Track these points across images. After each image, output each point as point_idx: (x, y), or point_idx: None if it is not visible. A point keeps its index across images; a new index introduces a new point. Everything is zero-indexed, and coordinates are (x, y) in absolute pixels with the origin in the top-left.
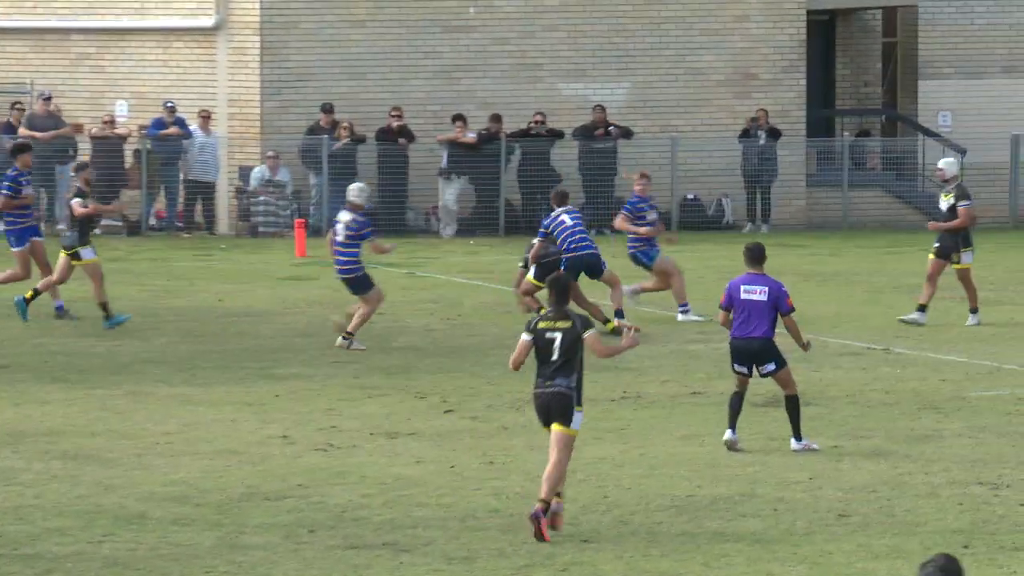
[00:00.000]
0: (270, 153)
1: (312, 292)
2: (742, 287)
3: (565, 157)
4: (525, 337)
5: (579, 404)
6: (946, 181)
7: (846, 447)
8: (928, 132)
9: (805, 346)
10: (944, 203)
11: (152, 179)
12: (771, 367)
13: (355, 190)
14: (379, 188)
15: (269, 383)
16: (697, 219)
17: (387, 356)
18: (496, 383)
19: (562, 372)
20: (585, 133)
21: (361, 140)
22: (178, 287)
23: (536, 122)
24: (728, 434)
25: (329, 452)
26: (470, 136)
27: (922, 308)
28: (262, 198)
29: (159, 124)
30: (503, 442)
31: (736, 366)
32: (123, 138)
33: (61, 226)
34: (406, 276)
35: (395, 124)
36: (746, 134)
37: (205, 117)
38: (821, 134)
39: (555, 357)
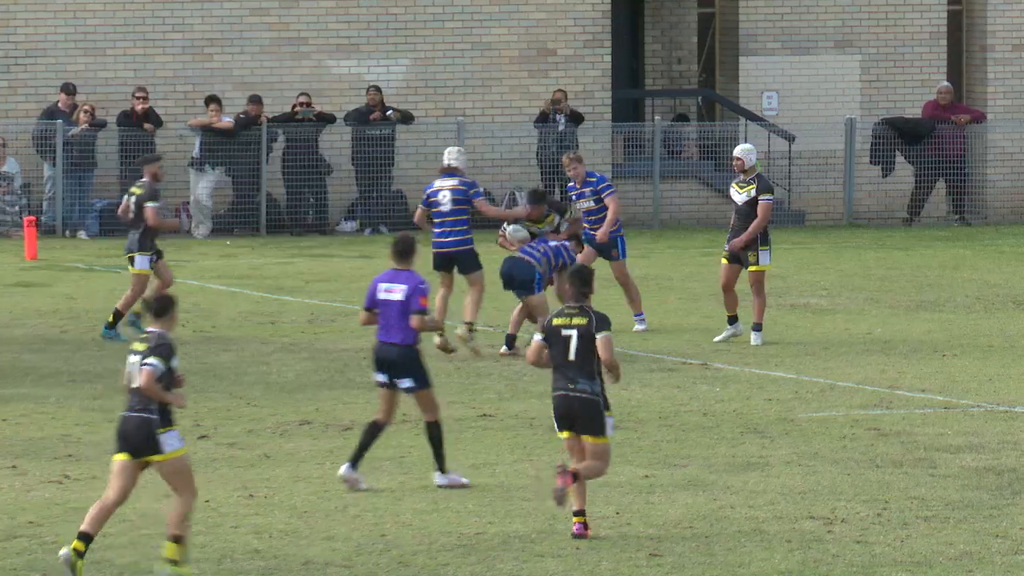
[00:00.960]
0: None
1: (44, 301)
2: (380, 285)
3: (336, 145)
4: (537, 338)
5: (607, 408)
6: (744, 171)
7: (658, 477)
8: (751, 116)
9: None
10: (740, 196)
11: None
12: (407, 383)
13: (455, 152)
14: (121, 181)
15: None
16: None
17: None
18: (257, 404)
19: (583, 374)
20: (359, 117)
21: (101, 125)
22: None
23: (301, 104)
24: (344, 469)
25: (65, 485)
26: (226, 121)
27: (732, 320)
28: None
29: None
30: (265, 473)
31: (375, 373)
32: None
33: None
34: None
35: (139, 107)
36: (543, 118)
37: None
38: (629, 119)
39: (571, 357)
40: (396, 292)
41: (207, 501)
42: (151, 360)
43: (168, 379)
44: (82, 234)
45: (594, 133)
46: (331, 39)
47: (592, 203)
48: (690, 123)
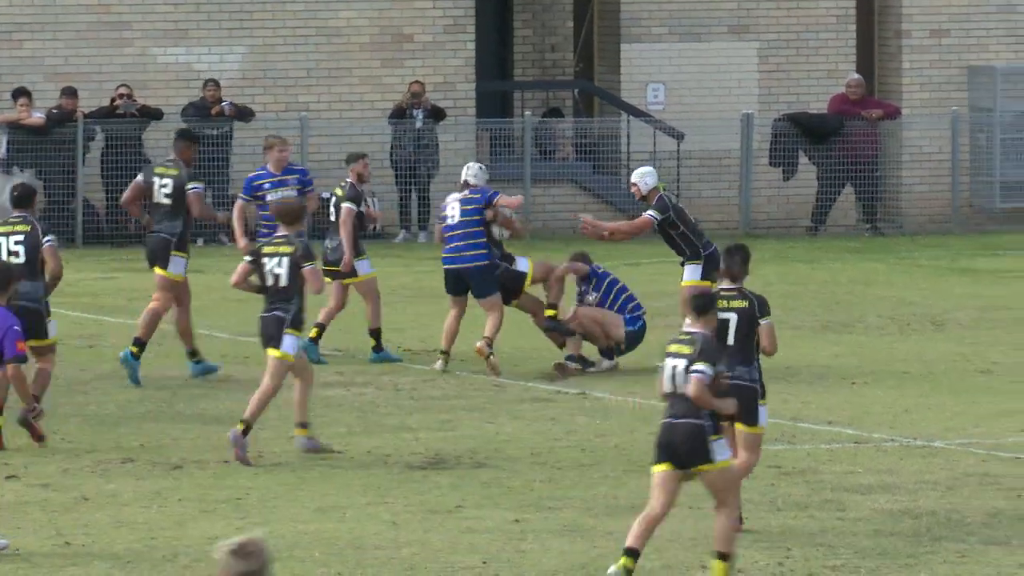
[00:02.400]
0: None
1: None
2: None
3: (163, 143)
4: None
5: (763, 397)
6: (644, 198)
7: (530, 521)
8: (634, 111)
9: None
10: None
11: None
12: None
13: (475, 168)
14: None
15: None
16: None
17: None
18: (73, 440)
19: (740, 359)
20: (197, 112)
21: None
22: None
23: (121, 96)
24: None
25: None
26: (36, 116)
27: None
28: None
29: None
30: (83, 517)
31: None
32: None
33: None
34: None
35: None
36: (399, 113)
37: None
38: (496, 114)
39: (730, 341)
40: None
41: (18, 551)
42: (700, 367)
43: (715, 384)
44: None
45: (456, 130)
46: (156, 24)
47: (295, 193)
48: (565, 119)
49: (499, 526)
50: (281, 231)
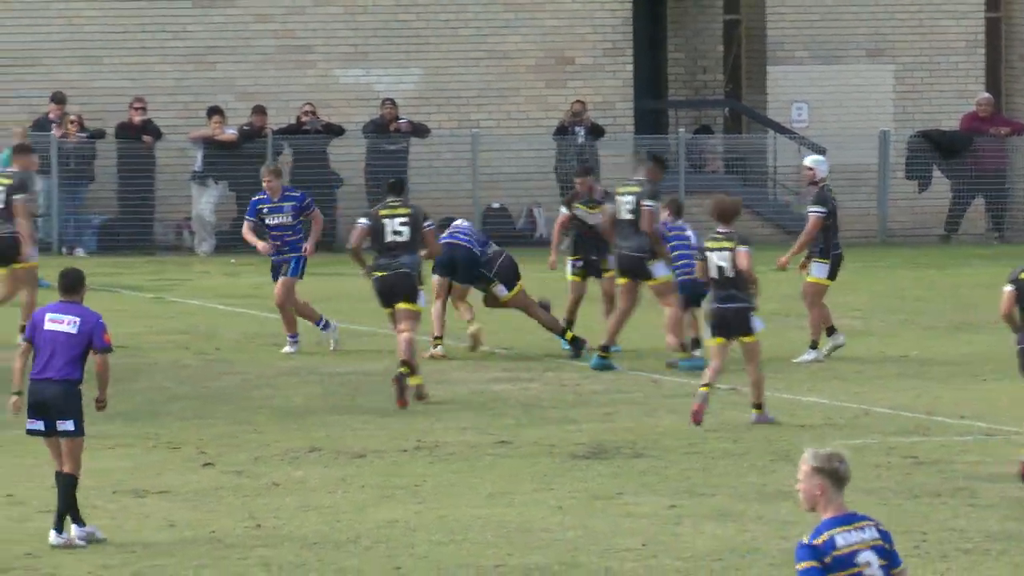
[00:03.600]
0: None
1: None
2: (48, 316)
3: (344, 158)
4: (1008, 288)
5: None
6: (814, 183)
7: (685, 507)
8: (780, 128)
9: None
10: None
11: None
12: (68, 425)
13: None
14: (119, 196)
15: None
16: (504, 232)
17: (130, 398)
18: (263, 430)
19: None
20: (376, 129)
21: (100, 135)
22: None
23: (307, 115)
24: (53, 536)
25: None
26: (229, 132)
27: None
28: None
29: None
30: (273, 502)
31: (30, 421)
32: None
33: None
34: (152, 302)
35: (137, 118)
36: (562, 131)
37: None
38: (651, 131)
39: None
40: (66, 324)
41: (212, 532)
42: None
43: None
44: (79, 251)
45: (615, 146)
46: (338, 47)
47: (290, 219)
48: (715, 135)
49: (656, 511)
50: (721, 228)
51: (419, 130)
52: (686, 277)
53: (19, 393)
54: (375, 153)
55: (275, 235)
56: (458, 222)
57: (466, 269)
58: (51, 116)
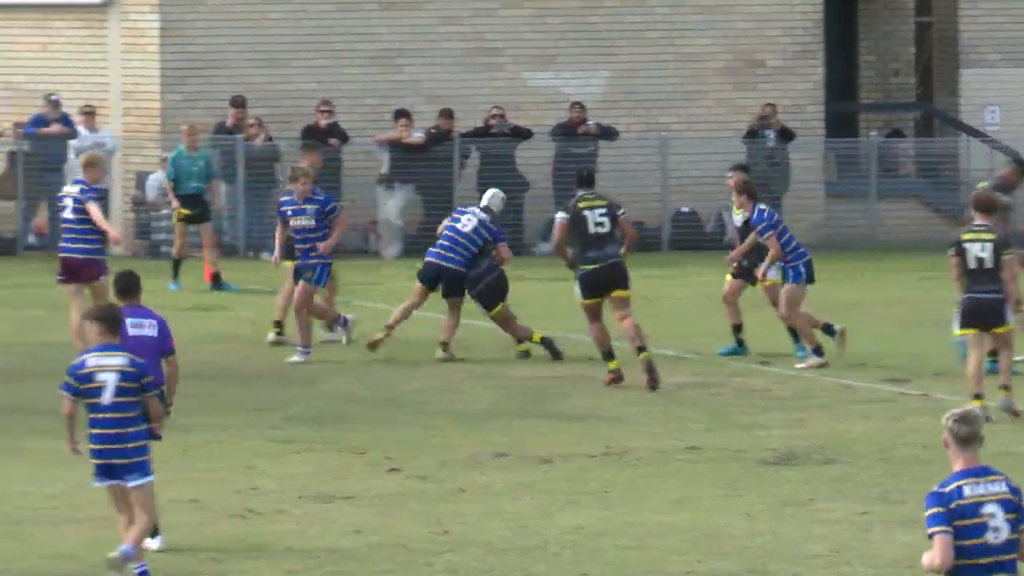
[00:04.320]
0: (166, 155)
1: (222, 325)
2: (127, 321)
3: (532, 161)
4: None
5: None
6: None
7: (876, 513)
8: (972, 131)
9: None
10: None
11: (29, 187)
12: (161, 431)
13: (495, 197)
14: None
15: (173, 435)
16: (692, 236)
17: (315, 403)
18: (447, 435)
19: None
20: (564, 132)
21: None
22: (58, 319)
23: (494, 117)
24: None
25: (247, 519)
26: (416, 136)
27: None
28: (164, 211)
29: (39, 121)
30: (459, 507)
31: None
32: None
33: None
34: (339, 306)
35: (324, 122)
36: (752, 134)
37: (89, 113)
38: (842, 134)
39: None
40: (147, 327)
41: (398, 537)
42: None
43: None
44: (266, 255)
45: (805, 149)
46: (526, 50)
47: (313, 221)
48: (907, 139)
49: (847, 517)
50: (979, 220)
51: (607, 133)
52: None
53: None
54: (563, 157)
55: (298, 238)
56: (463, 222)
57: (448, 284)
58: (230, 122)
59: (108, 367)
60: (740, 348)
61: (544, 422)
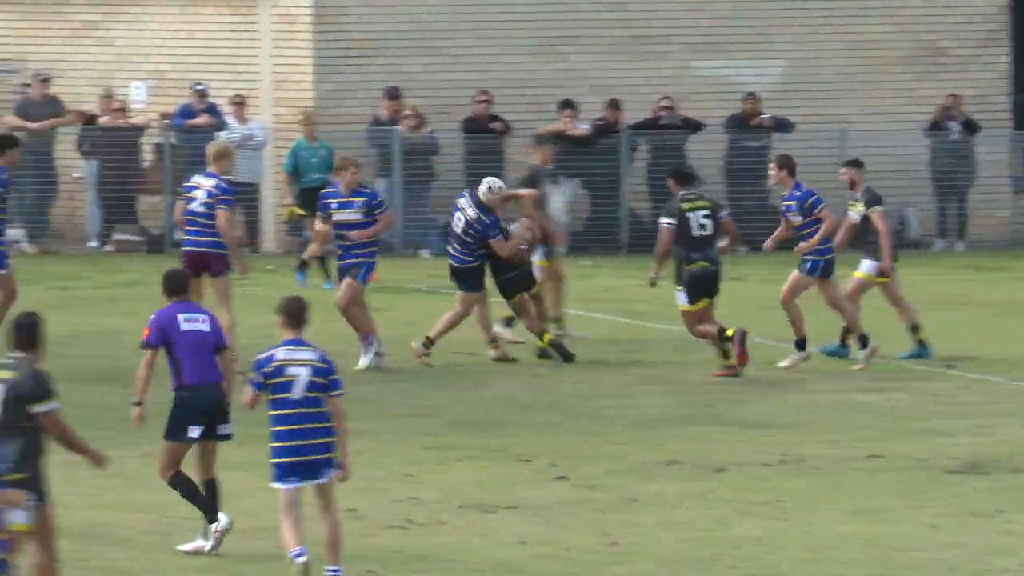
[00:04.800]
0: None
1: (379, 327)
2: (181, 316)
3: (704, 154)
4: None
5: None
6: None
7: None
8: None
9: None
10: None
11: (177, 181)
12: (229, 429)
13: (490, 185)
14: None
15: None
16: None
17: (478, 407)
18: (617, 442)
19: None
20: (738, 124)
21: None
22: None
23: (663, 108)
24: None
25: (408, 530)
26: (582, 128)
27: None
28: None
29: (186, 112)
30: (629, 517)
31: (192, 429)
32: (139, 129)
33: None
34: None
35: (483, 112)
36: (935, 126)
37: (238, 103)
38: None
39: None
40: (200, 322)
41: (567, 549)
42: None
43: None
44: (424, 253)
45: (992, 142)
46: (696, 37)
47: (360, 216)
48: None
49: None
50: None
51: (782, 125)
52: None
53: (140, 404)
54: (735, 150)
55: (340, 232)
56: (455, 221)
57: (457, 279)
58: (384, 113)
59: (300, 361)
60: (923, 350)
61: (718, 429)
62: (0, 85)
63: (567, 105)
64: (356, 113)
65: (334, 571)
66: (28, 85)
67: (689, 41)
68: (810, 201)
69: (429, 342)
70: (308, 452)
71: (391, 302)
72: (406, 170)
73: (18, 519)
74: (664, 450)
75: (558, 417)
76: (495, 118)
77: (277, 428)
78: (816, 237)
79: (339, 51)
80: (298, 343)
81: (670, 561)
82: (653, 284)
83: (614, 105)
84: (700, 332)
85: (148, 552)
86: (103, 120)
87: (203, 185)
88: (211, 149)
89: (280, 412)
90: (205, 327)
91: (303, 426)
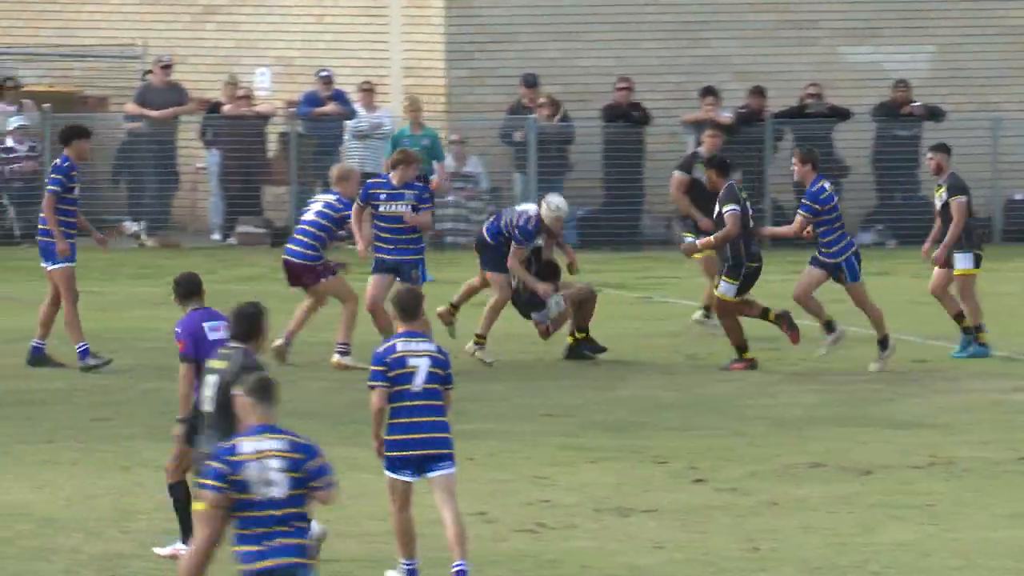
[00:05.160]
0: (453, 137)
1: (516, 324)
2: (207, 326)
3: (851, 144)
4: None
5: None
6: None
7: None
8: None
9: None
10: None
11: (303, 171)
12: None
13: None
14: (605, 185)
15: (459, 443)
16: None
17: (614, 407)
18: (759, 443)
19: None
20: (887, 113)
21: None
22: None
23: (810, 96)
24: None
25: (538, 534)
26: (725, 116)
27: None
28: (449, 198)
29: (312, 99)
30: (771, 522)
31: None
32: (264, 117)
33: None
34: (640, 302)
35: (623, 100)
36: None
37: (367, 91)
38: None
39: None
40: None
41: (705, 555)
42: None
43: None
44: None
45: None
46: (845, 22)
47: (410, 208)
48: None
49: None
50: None
51: (934, 114)
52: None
53: (183, 421)
54: (884, 139)
55: (384, 227)
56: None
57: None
58: (524, 101)
59: (419, 352)
60: (975, 348)
61: (865, 430)
62: (120, 71)
63: (709, 92)
64: (489, 101)
65: (459, 567)
66: (149, 71)
67: (837, 26)
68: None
69: (481, 339)
70: (426, 446)
71: None
72: (542, 160)
73: None
74: (807, 451)
75: (697, 417)
76: (636, 106)
77: (394, 421)
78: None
79: (472, 36)
80: (415, 335)
81: (813, 567)
82: (690, 255)
83: (758, 92)
84: (744, 313)
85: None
86: (227, 108)
87: (323, 200)
88: (334, 171)
89: (399, 405)
90: (225, 335)
91: (423, 419)
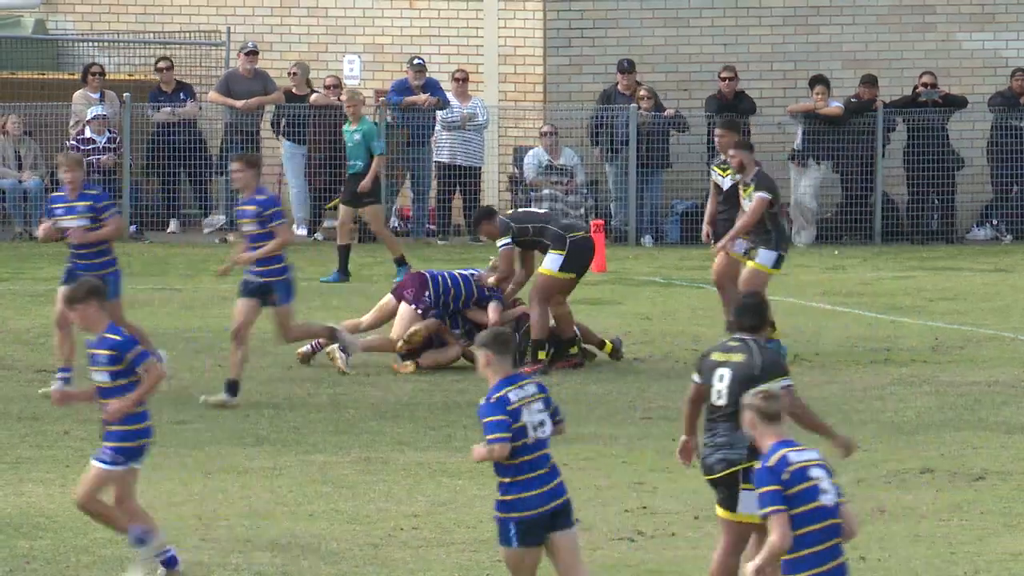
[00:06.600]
0: (545, 128)
1: (613, 321)
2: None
3: (967, 134)
4: None
5: None
6: None
7: None
8: None
9: None
10: None
11: (394, 164)
12: None
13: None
14: (704, 180)
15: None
16: None
17: None
18: (869, 448)
19: None
20: (1005, 103)
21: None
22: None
23: (924, 84)
24: None
25: (636, 543)
26: (834, 106)
27: None
28: (546, 191)
29: (402, 88)
30: (879, 530)
31: None
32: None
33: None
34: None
35: (729, 90)
36: None
37: (461, 80)
38: None
39: None
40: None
41: None
42: None
43: None
44: (646, 240)
45: None
46: (962, 7)
47: (256, 226)
48: None
49: None
50: None
51: None
52: None
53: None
54: (1001, 130)
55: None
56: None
57: None
58: (620, 88)
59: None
60: None
61: (978, 434)
62: (203, 59)
63: (819, 81)
64: (589, 90)
65: None
66: (235, 59)
67: (954, 11)
68: None
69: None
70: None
71: (623, 295)
72: (641, 151)
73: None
74: (918, 457)
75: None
76: (742, 95)
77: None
78: None
79: (572, 23)
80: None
81: None
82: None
83: (870, 81)
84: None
85: (359, 567)
86: (314, 98)
87: None
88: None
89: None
90: None
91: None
